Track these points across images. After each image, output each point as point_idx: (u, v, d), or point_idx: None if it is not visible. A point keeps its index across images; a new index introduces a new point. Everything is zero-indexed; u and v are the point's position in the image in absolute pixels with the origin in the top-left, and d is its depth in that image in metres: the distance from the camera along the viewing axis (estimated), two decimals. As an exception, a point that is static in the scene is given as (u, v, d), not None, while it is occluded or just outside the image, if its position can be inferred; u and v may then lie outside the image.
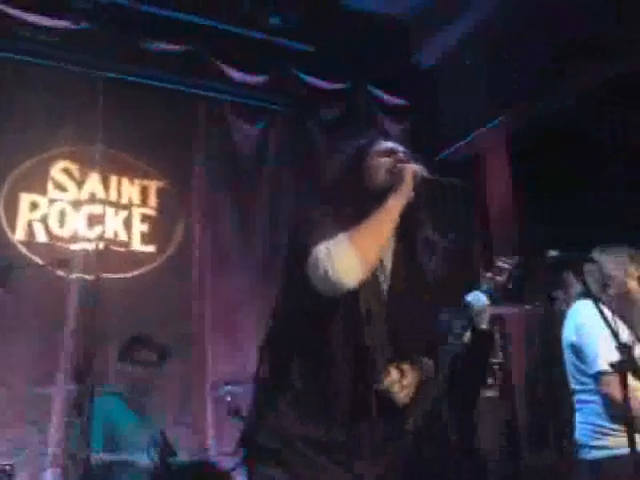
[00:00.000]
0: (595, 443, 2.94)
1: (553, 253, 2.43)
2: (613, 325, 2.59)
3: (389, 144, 2.21)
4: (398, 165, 2.11)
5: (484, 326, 3.01)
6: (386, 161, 2.14)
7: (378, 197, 2.05)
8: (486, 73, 5.42)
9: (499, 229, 5.65)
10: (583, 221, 5.16)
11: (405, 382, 2.00)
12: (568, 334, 3.12)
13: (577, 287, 3.21)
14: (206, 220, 5.11)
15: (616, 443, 2.80)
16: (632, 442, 2.24)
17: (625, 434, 2.30)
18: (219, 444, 4.41)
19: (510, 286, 3.08)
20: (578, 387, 3.07)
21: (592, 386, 2.96)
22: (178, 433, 3.87)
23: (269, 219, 5.31)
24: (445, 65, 5.86)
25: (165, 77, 5.25)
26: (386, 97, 5.89)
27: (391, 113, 5.89)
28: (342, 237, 1.90)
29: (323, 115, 5.70)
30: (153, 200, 5.06)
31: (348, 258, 1.87)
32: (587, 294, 3.11)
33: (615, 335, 2.37)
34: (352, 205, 2.07)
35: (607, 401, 2.88)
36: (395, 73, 5.81)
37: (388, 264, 2.14)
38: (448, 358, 2.94)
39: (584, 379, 3.02)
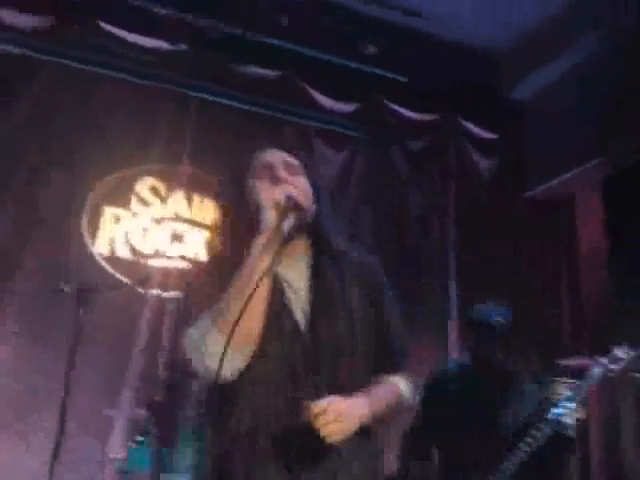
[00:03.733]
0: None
1: None
2: None
3: (267, 157, 1.81)
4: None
5: (570, 434, 2.89)
6: (266, 191, 1.74)
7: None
8: (583, 112, 5.21)
9: (589, 276, 5.38)
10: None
11: (331, 417, 1.62)
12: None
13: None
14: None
15: None
16: None
17: None
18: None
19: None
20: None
21: None
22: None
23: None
24: (539, 102, 5.68)
25: (256, 101, 5.27)
26: (476, 130, 5.76)
27: (480, 147, 5.75)
28: (206, 322, 1.63)
29: (410, 145, 5.60)
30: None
31: (213, 341, 1.60)
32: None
33: None
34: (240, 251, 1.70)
35: None
36: (487, 107, 5.68)
37: (300, 285, 1.78)
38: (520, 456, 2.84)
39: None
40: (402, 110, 5.53)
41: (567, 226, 5.58)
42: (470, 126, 5.71)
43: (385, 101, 5.51)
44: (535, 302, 5.27)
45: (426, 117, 5.61)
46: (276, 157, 1.86)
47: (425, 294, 5.29)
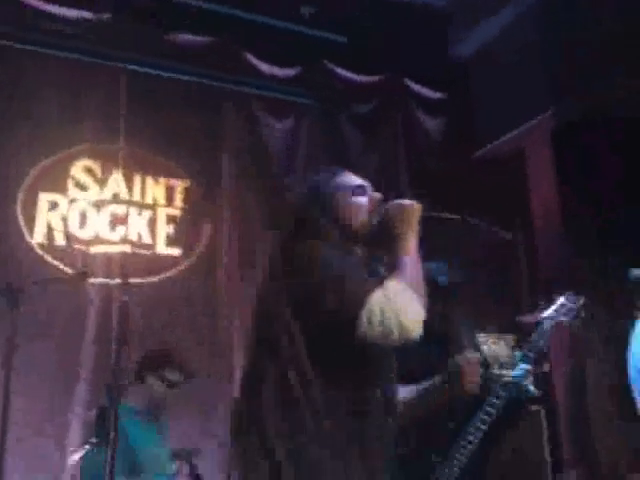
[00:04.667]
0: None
1: (636, 272, 2.12)
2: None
3: (354, 179, 2.09)
4: (397, 203, 1.99)
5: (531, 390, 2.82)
6: (363, 201, 2.02)
7: (357, 238, 1.99)
8: (529, 65, 5.10)
9: (543, 230, 5.33)
10: (632, 221, 4.86)
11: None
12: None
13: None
14: (235, 221, 4.84)
15: None
16: None
17: None
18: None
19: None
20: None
21: None
22: (201, 455, 3.58)
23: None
24: (486, 58, 5.53)
25: (191, 70, 5.00)
26: (423, 91, 5.61)
27: (428, 107, 5.61)
28: (395, 283, 1.78)
29: (357, 109, 5.41)
30: (179, 200, 4.80)
31: (415, 304, 1.76)
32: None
33: None
34: (342, 246, 1.94)
35: None
36: (433, 66, 5.50)
37: None
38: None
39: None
40: (345, 72, 5.33)
41: (519, 182, 5.50)
42: (417, 86, 5.55)
43: (327, 64, 5.29)
44: (492, 260, 5.20)
45: (370, 79, 5.42)
46: (362, 180, 2.11)
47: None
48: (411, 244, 1.92)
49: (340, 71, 5.32)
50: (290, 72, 5.22)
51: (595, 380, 4.81)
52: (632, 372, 2.87)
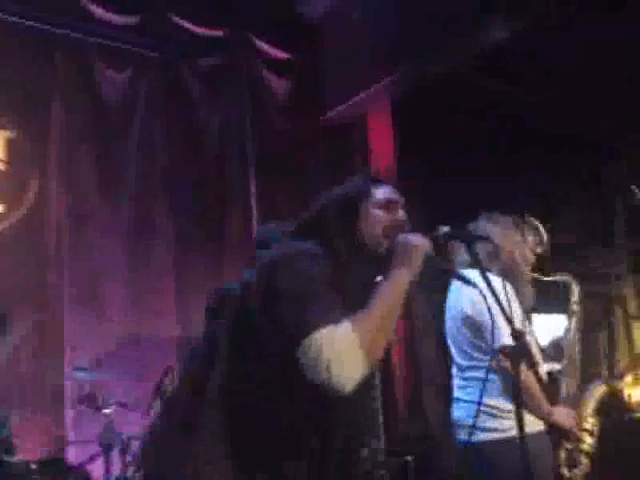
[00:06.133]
0: (486, 425, 2.70)
1: (444, 229, 2.13)
2: (506, 303, 2.36)
3: (388, 193, 1.94)
4: (407, 237, 1.85)
5: None
6: (384, 217, 1.90)
7: (367, 256, 1.87)
8: (373, 31, 5.11)
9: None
10: (465, 185, 5.05)
11: None
12: (461, 306, 2.87)
13: (463, 254, 2.97)
14: (64, 176, 4.54)
15: (510, 426, 2.56)
16: (521, 425, 1.99)
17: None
18: (78, 431, 3.99)
19: None
20: (468, 363, 2.85)
21: (487, 363, 2.71)
22: (28, 421, 3.38)
23: (138, 176, 4.81)
24: (332, 20, 5.50)
25: (19, 12, 4.59)
26: (270, 49, 5.49)
27: (275, 67, 5.51)
28: (348, 328, 1.62)
29: (200, 64, 5.22)
30: (2, 152, 4.44)
31: (354, 358, 1.61)
32: (476, 265, 2.92)
33: (507, 317, 2.14)
34: (343, 259, 1.81)
35: (506, 379, 2.67)
36: (281, 24, 5.40)
37: None
38: None
39: (479, 355, 2.80)
40: (188, 24, 5.11)
41: (360, 148, 5.55)
42: (264, 45, 5.43)
43: (169, 14, 5.05)
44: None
45: (214, 33, 5.24)
46: (400, 198, 1.96)
47: (227, 218, 5.07)
48: (398, 281, 1.78)
49: (183, 22, 5.10)
50: (130, 20, 4.95)
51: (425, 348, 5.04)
52: (448, 325, 2.97)
